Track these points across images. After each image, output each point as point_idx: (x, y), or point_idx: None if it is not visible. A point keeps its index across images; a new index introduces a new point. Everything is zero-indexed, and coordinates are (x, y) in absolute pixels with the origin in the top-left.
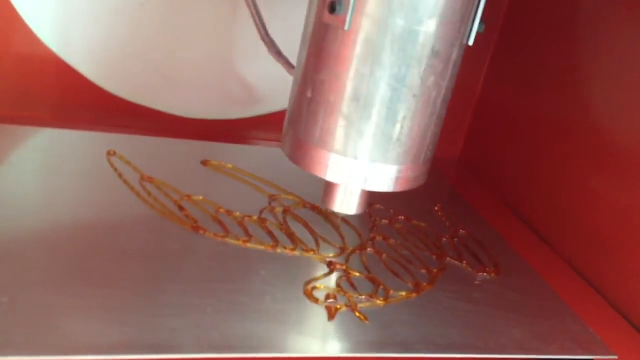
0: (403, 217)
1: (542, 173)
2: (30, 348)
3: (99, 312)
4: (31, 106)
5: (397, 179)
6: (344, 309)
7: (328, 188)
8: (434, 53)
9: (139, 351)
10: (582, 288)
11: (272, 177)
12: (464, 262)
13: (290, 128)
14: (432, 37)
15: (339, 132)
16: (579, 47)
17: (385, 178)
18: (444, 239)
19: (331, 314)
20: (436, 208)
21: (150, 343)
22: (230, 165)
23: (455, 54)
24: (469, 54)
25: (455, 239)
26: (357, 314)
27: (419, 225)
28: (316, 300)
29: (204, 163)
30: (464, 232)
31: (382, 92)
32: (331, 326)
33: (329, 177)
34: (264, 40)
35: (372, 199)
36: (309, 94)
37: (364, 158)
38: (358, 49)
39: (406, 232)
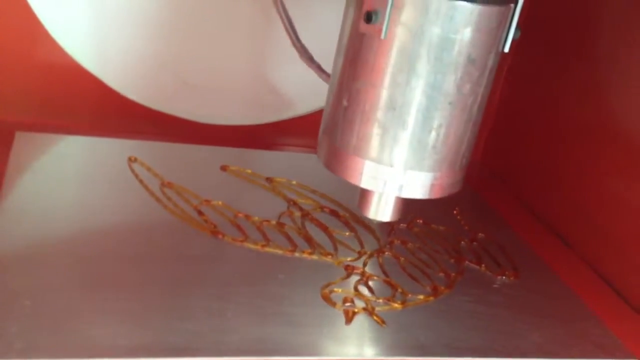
0: (421, 221)
1: (562, 175)
2: (52, 350)
3: (120, 316)
4: (54, 114)
5: (433, 185)
6: (362, 312)
7: (363, 195)
8: (470, 61)
9: (160, 354)
10: (602, 291)
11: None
12: (483, 265)
13: (326, 136)
14: (467, 45)
15: (375, 140)
16: (599, 48)
17: (421, 185)
18: (462, 242)
19: (349, 318)
20: (455, 211)
21: (170, 346)
22: (249, 171)
23: (491, 61)
24: None
25: (474, 243)
26: (375, 318)
27: (438, 229)
28: (334, 304)
29: (223, 168)
30: (482, 235)
31: (417, 100)
32: (349, 329)
33: (364, 184)
34: (295, 46)
35: None
36: (345, 103)
37: (399, 166)
38: (394, 58)
39: (424, 236)
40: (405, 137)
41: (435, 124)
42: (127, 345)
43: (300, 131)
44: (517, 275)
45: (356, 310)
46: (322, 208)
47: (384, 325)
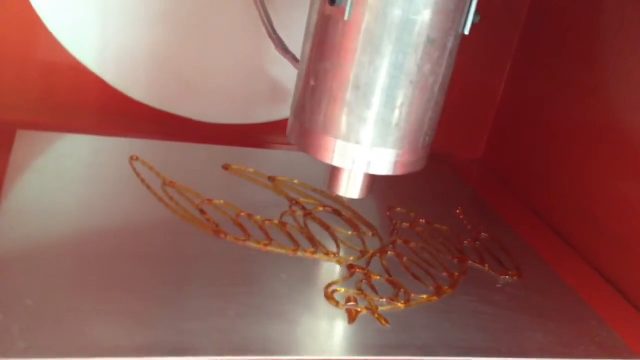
0: (424, 221)
1: (566, 175)
2: (54, 351)
3: (122, 316)
4: (55, 113)
5: (397, 162)
6: (365, 312)
7: (333, 173)
8: (430, 41)
9: (162, 354)
10: (606, 291)
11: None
12: (486, 265)
13: (296, 117)
14: (427, 26)
15: (342, 118)
16: (603, 46)
17: (387, 162)
18: (465, 242)
19: (352, 317)
20: (458, 211)
21: (172, 346)
22: (251, 170)
23: (450, 43)
24: (490, 53)
25: (477, 242)
26: (378, 317)
27: (440, 229)
28: (337, 304)
29: (225, 167)
30: (485, 235)
31: (381, 79)
32: (352, 329)
33: (334, 162)
34: (271, 37)
35: (393, 202)
36: (312, 83)
37: (366, 143)
38: (358, 39)
39: (427, 235)
40: (370, 115)
41: (398, 102)
42: (130, 345)
43: None
44: (520, 275)
45: (359, 309)
46: (324, 207)
47: (387, 324)
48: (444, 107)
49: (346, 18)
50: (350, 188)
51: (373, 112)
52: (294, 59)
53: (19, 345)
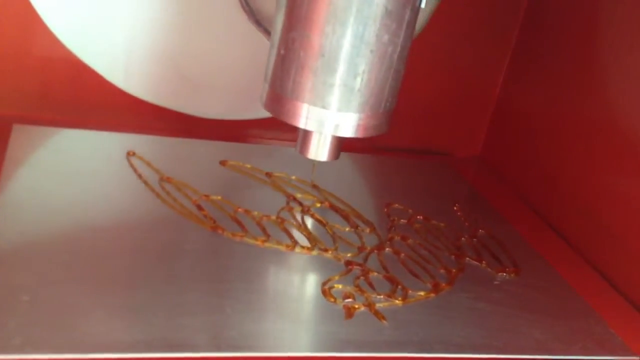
0: (421, 217)
1: (563, 172)
2: (50, 346)
3: (118, 311)
4: (51, 107)
5: (359, 126)
6: (362, 308)
7: (304, 138)
8: (387, 13)
9: (158, 349)
10: (604, 288)
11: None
12: (483, 262)
13: (268, 84)
14: None
15: (310, 84)
16: (601, 44)
17: (350, 125)
18: (462, 238)
19: (349, 314)
20: (455, 208)
21: (169, 342)
22: (248, 165)
23: (407, 15)
24: (488, 50)
25: (474, 239)
26: (375, 314)
27: (438, 225)
28: (334, 300)
29: (223, 163)
30: (483, 231)
31: (343, 48)
32: (349, 325)
33: (307, 126)
34: (244, 9)
35: (391, 199)
36: (282, 52)
37: (332, 107)
38: (322, 10)
39: (425, 232)
40: (335, 81)
41: (360, 69)
42: (126, 340)
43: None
44: (517, 272)
45: (356, 306)
46: (321, 203)
47: (384, 321)
48: (442, 104)
49: None
50: (320, 151)
51: (337, 79)
52: (265, 32)
53: (15, 340)
